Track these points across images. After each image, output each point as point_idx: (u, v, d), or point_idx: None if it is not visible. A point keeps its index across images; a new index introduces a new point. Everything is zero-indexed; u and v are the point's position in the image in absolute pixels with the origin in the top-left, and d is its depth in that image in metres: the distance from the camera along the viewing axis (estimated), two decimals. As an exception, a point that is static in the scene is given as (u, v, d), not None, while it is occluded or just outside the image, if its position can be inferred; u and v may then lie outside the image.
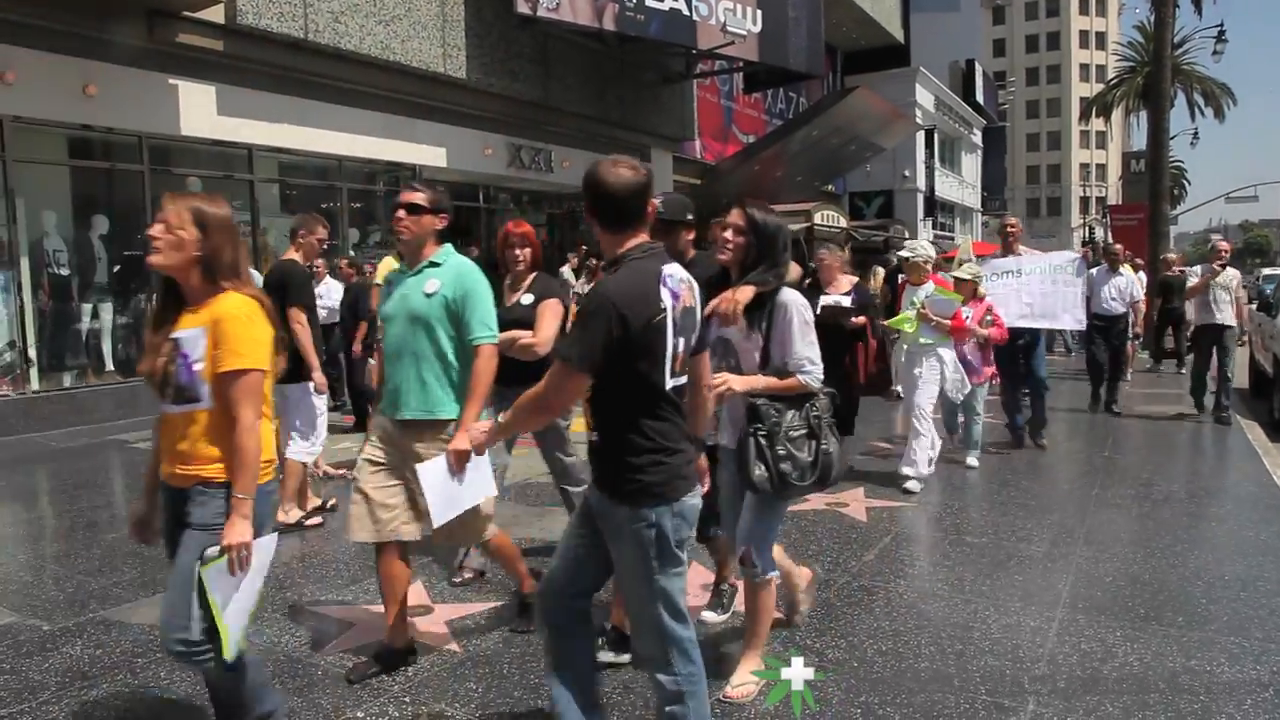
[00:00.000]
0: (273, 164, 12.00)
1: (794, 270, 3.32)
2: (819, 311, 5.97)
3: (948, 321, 6.20)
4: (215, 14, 10.09)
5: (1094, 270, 9.43)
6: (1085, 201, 76.99)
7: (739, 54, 16.74)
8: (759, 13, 16.48)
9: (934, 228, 34.11)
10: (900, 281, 6.82)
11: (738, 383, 2.97)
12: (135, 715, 3.10)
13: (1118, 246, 10.48)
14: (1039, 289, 7.47)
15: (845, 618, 3.89)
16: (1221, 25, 23.59)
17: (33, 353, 9.41)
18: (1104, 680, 3.25)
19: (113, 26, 9.41)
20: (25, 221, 9.36)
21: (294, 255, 5.58)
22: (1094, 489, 6.21)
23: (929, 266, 6.60)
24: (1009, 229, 7.98)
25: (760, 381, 3.03)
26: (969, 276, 6.76)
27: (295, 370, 5.06)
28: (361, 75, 12.02)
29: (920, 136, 32.06)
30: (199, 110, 10.46)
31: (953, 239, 34.66)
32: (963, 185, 40.69)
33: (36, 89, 9.01)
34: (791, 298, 3.08)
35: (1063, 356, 14.76)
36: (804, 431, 3.05)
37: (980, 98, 41.10)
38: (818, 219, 14.68)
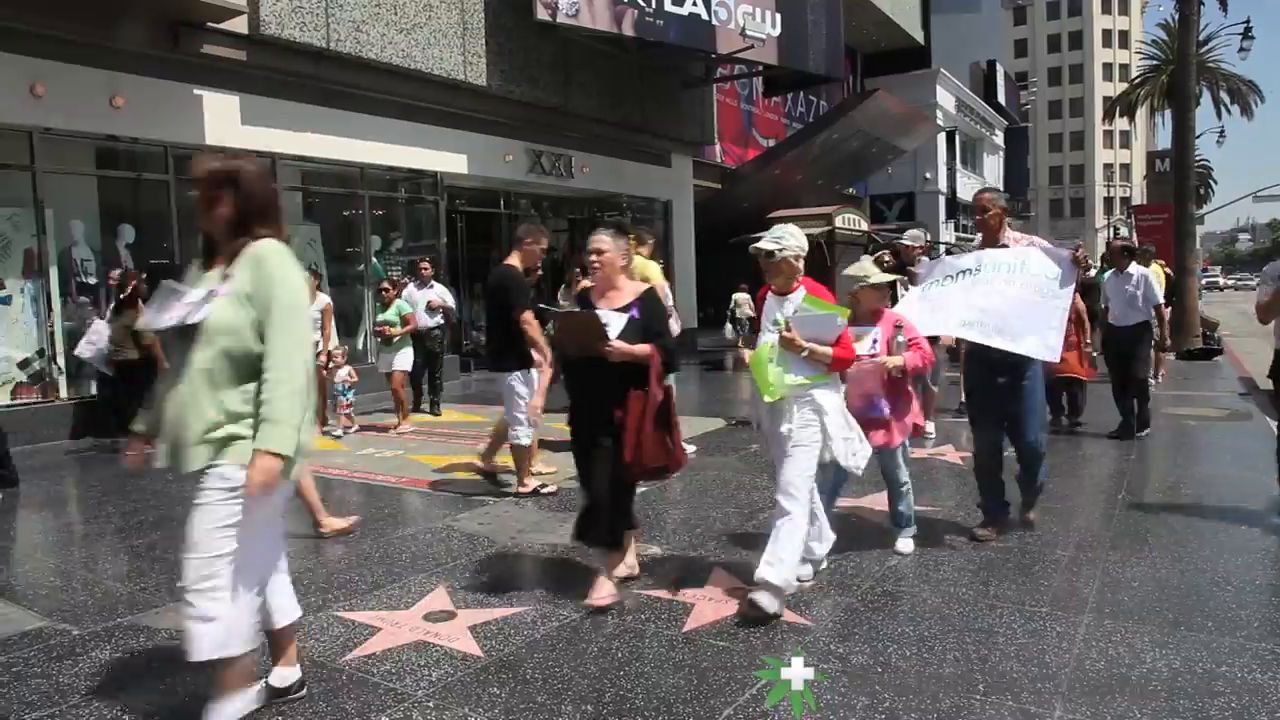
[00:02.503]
0: (296, 172, 12.11)
1: None
2: (552, 331, 4.42)
3: (827, 350, 4.00)
4: (239, 25, 10.21)
5: (1105, 275, 8.43)
6: (1109, 202, 76.35)
7: (758, 58, 16.74)
8: (778, 16, 16.47)
9: (956, 230, 33.90)
10: (761, 290, 4.36)
11: None
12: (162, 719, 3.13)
13: (1117, 244, 8.71)
14: (999, 290, 4.84)
15: (869, 622, 3.87)
16: (1248, 22, 23.26)
17: (61, 361, 9.54)
18: (1132, 686, 3.21)
19: (139, 39, 9.56)
20: (54, 231, 9.50)
21: (514, 261, 6.07)
22: (1120, 492, 6.14)
23: (801, 264, 4.17)
24: (983, 210, 5.10)
25: None
26: (878, 280, 4.71)
27: (515, 360, 5.90)
28: (383, 83, 12.12)
29: (941, 138, 31.91)
30: (223, 120, 10.59)
31: (972, 240, 34.36)
32: (985, 187, 40.41)
33: (65, 101, 9.16)
34: None
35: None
36: None
37: (1002, 98, 40.88)
38: (839, 222, 14.60)
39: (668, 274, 14.67)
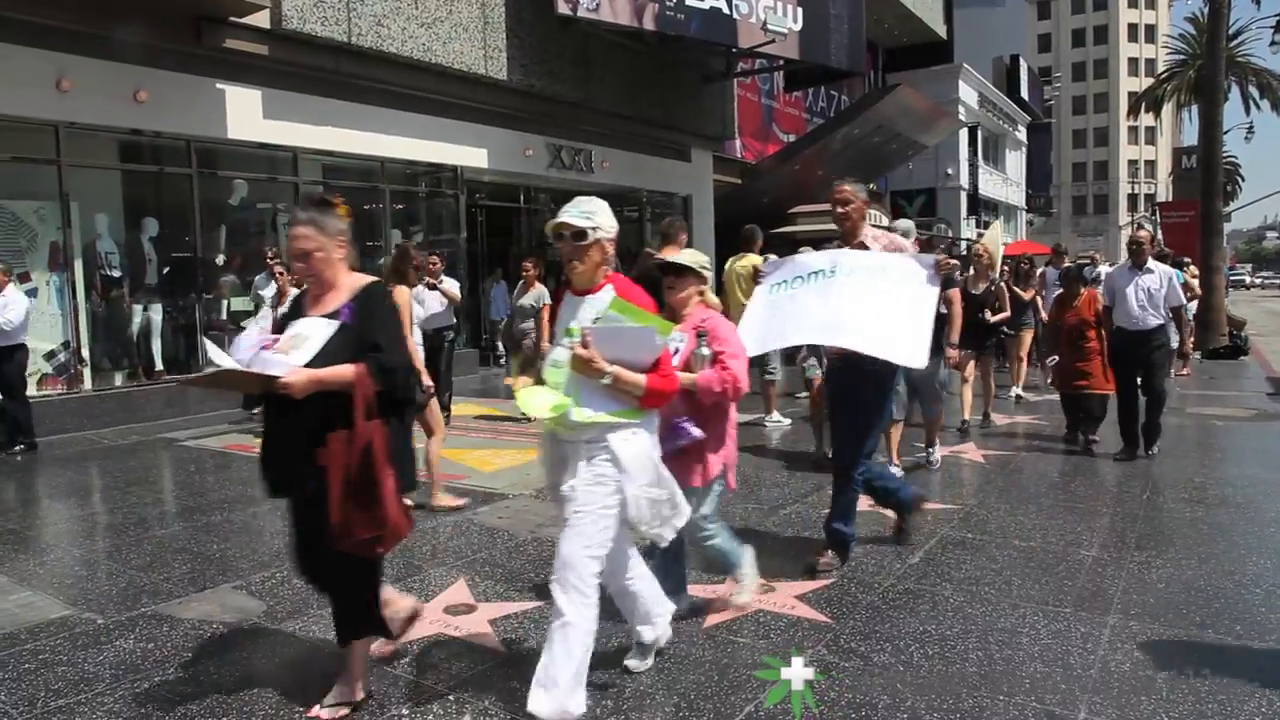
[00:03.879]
0: (316, 166, 12.16)
1: None
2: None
3: (638, 378, 2.89)
4: (261, 19, 10.26)
5: (1112, 269, 7.39)
6: (1133, 199, 75.50)
7: (779, 52, 16.65)
8: (799, 10, 16.37)
9: (977, 226, 33.65)
10: (557, 290, 3.30)
11: None
12: (186, 708, 3.14)
13: (1143, 233, 7.50)
14: (856, 294, 4.21)
15: (891, 621, 3.84)
16: None
17: (85, 353, 9.64)
18: (1158, 689, 3.17)
19: (163, 34, 9.62)
20: (79, 224, 9.59)
21: (669, 254, 6.21)
22: (1145, 492, 6.07)
23: (612, 252, 3.06)
24: (844, 203, 4.51)
25: None
26: (694, 265, 3.61)
27: None
28: (403, 78, 12.14)
29: (963, 134, 31.68)
30: (245, 114, 10.65)
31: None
32: (1007, 183, 40.10)
33: (90, 96, 9.23)
34: None
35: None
36: None
37: (1025, 94, 40.52)
38: (859, 218, 14.63)
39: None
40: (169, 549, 5.12)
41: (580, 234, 2.92)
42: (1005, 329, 9.42)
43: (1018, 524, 5.31)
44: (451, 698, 3.18)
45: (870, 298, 4.18)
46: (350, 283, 3.05)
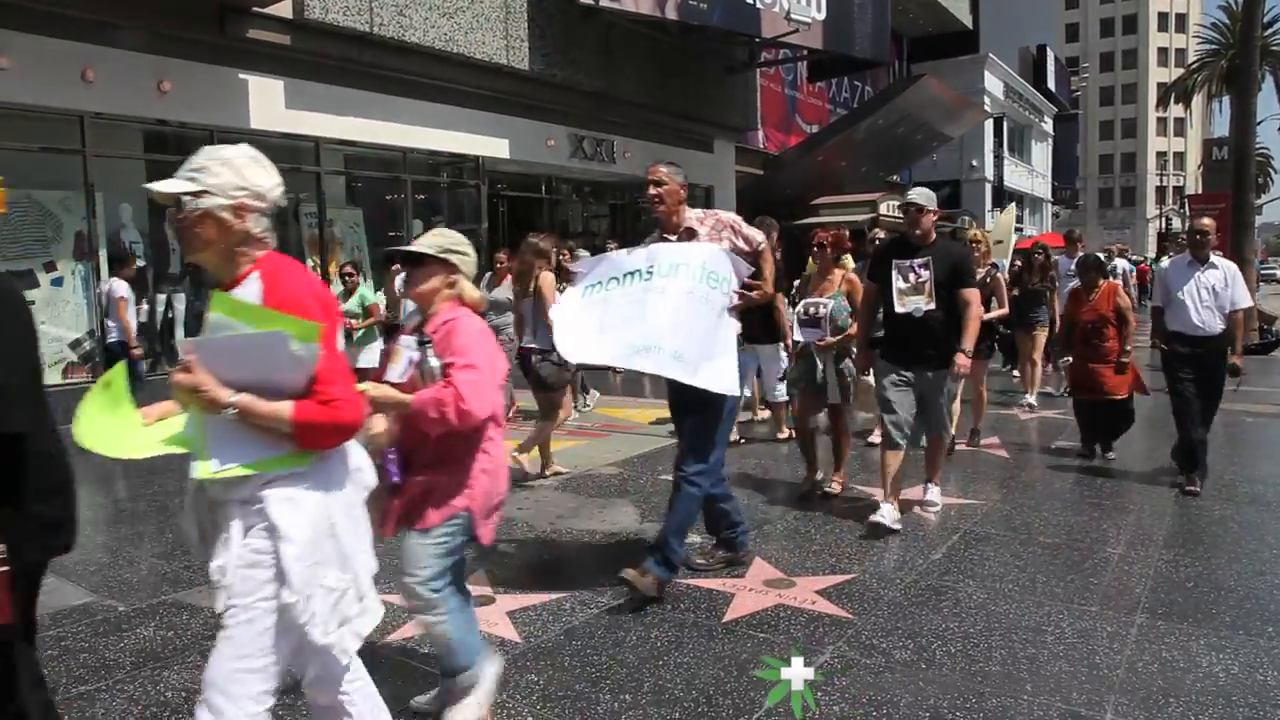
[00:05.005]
0: (339, 156, 12.19)
1: None
2: None
3: (278, 407, 1.97)
4: (283, 9, 10.27)
5: (1166, 262, 6.53)
6: (1161, 191, 74.41)
7: (803, 42, 16.50)
8: (824, -1, 16.23)
9: (1002, 218, 33.29)
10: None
11: None
12: (204, 697, 3.15)
13: (1207, 221, 6.45)
14: (671, 303, 3.80)
15: (913, 618, 3.79)
16: (1314, 5, 22.48)
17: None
18: (1187, 690, 3.11)
19: (186, 24, 9.66)
20: (104, 214, 9.66)
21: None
22: (1173, 489, 5.96)
23: (251, 225, 2.12)
24: (657, 184, 4.09)
25: None
26: (433, 251, 2.77)
27: (768, 336, 6.90)
28: (425, 68, 12.14)
29: (989, 125, 31.30)
30: (267, 104, 10.68)
31: (1022, 230, 33.70)
32: (1033, 175, 39.64)
33: (115, 86, 9.28)
34: None
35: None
36: None
37: (1052, 84, 40.03)
38: (883, 209, 14.48)
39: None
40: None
41: (176, 205, 2.06)
42: (1003, 326, 8.69)
43: (1042, 520, 5.23)
44: (469, 690, 3.16)
45: (682, 306, 3.79)
46: None
